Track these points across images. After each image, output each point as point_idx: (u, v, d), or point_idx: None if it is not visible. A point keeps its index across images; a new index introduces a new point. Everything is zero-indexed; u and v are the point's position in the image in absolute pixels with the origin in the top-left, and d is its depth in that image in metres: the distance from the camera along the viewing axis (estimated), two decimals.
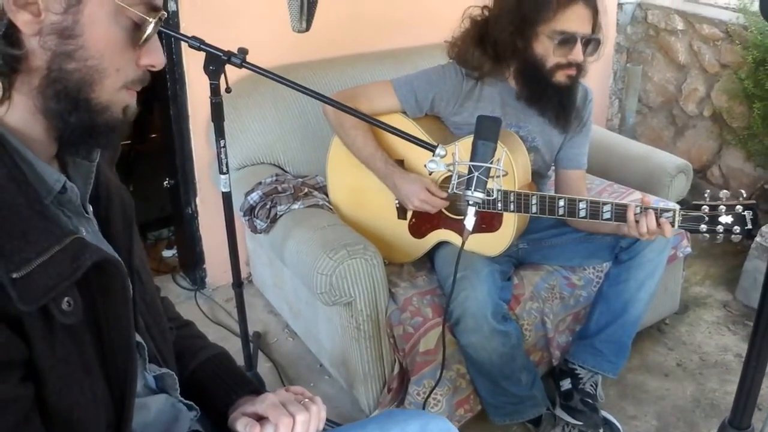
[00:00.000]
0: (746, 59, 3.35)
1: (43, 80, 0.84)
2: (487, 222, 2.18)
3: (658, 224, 1.89)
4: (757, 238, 2.95)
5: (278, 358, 2.72)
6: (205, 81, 1.85)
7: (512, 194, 2.04)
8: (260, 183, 2.49)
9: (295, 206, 2.36)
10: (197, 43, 1.77)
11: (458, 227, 2.21)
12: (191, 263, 3.14)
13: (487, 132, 1.51)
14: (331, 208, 2.43)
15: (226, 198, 2.08)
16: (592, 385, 2.35)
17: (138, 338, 1.06)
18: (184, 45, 2.43)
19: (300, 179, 2.58)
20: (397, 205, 2.30)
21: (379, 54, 3.03)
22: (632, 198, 2.66)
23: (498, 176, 1.61)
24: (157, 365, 1.13)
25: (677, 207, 1.89)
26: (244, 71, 1.81)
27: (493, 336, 2.07)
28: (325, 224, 2.24)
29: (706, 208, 1.83)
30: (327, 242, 2.12)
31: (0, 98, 0.83)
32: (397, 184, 2.19)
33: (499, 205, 2.06)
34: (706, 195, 1.85)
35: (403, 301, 2.22)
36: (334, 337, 2.38)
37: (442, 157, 1.54)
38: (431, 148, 1.54)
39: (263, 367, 2.63)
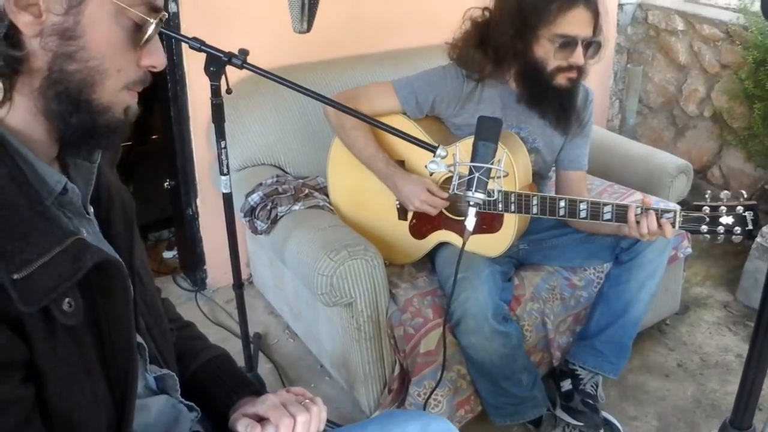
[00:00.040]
0: (746, 59, 3.35)
1: (44, 81, 0.84)
2: (488, 223, 2.18)
3: (659, 225, 1.89)
4: (758, 239, 2.95)
5: (279, 359, 2.72)
6: (205, 82, 1.85)
7: (513, 195, 2.04)
8: (261, 184, 2.49)
9: (296, 207, 2.36)
10: (198, 45, 1.77)
11: (459, 228, 2.21)
12: (192, 264, 3.14)
13: (487, 133, 1.51)
14: (331, 209, 2.43)
15: (227, 199, 2.08)
16: (592, 386, 2.35)
17: (139, 339, 1.06)
18: (184, 46, 2.43)
19: (300, 180, 2.59)
20: (398, 206, 2.30)
21: (380, 55, 3.03)
22: (633, 198, 2.66)
23: (499, 177, 1.61)
24: (157, 366, 1.13)
25: (678, 208, 1.89)
26: (244, 72, 1.81)
27: (493, 337, 2.07)
28: (325, 225, 2.24)
29: (706, 209, 1.83)
30: (328, 243, 2.12)
31: (1, 99, 0.83)
32: (398, 185, 2.19)
33: (500, 205, 2.06)
34: (706, 196, 1.85)
35: (403, 301, 2.22)
36: (335, 338, 2.38)
37: (443, 157, 1.54)
38: (432, 149, 1.54)
39: (264, 368, 2.63)
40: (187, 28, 2.59)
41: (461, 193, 1.55)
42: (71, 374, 0.86)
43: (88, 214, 0.98)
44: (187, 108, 2.77)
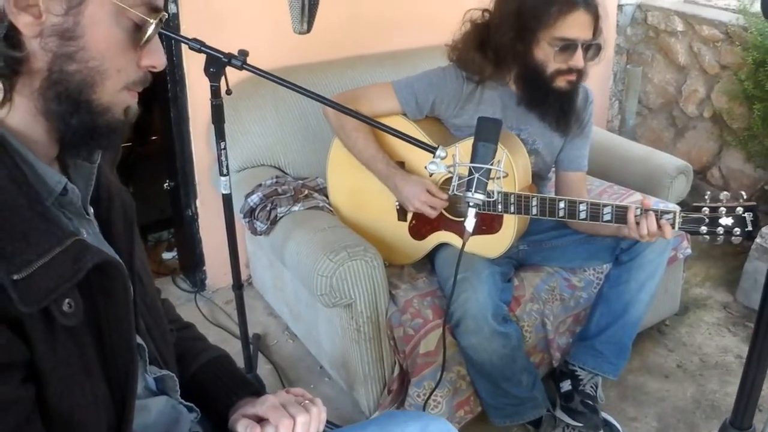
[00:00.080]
0: (746, 60, 3.35)
1: (44, 82, 0.84)
2: (488, 224, 2.18)
3: (659, 226, 1.89)
4: (758, 240, 2.95)
5: (278, 360, 2.72)
6: (205, 83, 1.85)
7: (512, 196, 2.04)
8: (260, 185, 2.49)
9: (296, 208, 2.37)
10: (198, 45, 1.77)
11: (458, 229, 2.21)
12: (191, 265, 3.14)
13: (487, 133, 1.51)
14: (331, 210, 2.43)
15: (227, 200, 2.08)
16: (592, 387, 2.35)
17: (139, 340, 1.06)
18: (184, 47, 2.44)
19: (300, 181, 2.59)
20: (398, 207, 2.30)
21: (379, 56, 3.03)
22: (632, 199, 2.66)
23: (498, 177, 1.61)
24: (157, 367, 1.13)
25: (677, 209, 1.89)
26: (244, 73, 1.81)
27: (493, 337, 2.07)
28: (325, 226, 2.24)
29: (706, 210, 1.83)
30: (327, 244, 2.12)
31: (1, 100, 0.83)
32: (398, 186, 2.19)
33: (500, 206, 2.06)
34: (706, 197, 1.85)
35: (403, 302, 2.22)
36: (335, 338, 2.38)
37: (443, 158, 1.54)
38: (432, 150, 1.54)
39: (263, 369, 2.63)
40: (187, 29, 2.59)
41: (461, 194, 1.55)
42: (71, 375, 0.86)
43: (88, 214, 0.98)
44: (187, 109, 2.77)
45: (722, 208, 1.81)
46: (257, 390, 1.26)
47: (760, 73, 3.28)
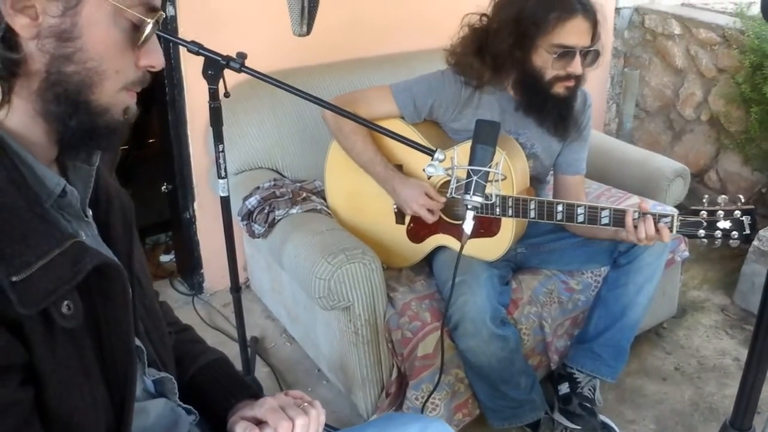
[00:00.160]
0: (743, 63, 3.36)
1: (43, 83, 0.84)
2: (486, 227, 2.18)
3: (657, 229, 1.89)
4: (755, 242, 2.95)
5: (276, 362, 2.72)
6: (203, 86, 1.85)
7: (511, 199, 2.04)
8: (258, 188, 2.49)
9: (294, 211, 2.36)
10: (196, 48, 1.77)
11: (456, 232, 2.21)
12: (189, 268, 3.14)
13: (485, 136, 1.51)
14: (329, 213, 2.43)
15: (224, 203, 2.08)
16: (590, 389, 2.35)
17: (137, 342, 1.05)
18: (182, 50, 2.42)
19: (298, 184, 2.59)
20: (396, 210, 2.30)
21: (378, 59, 3.03)
22: (630, 202, 2.67)
23: (497, 180, 1.61)
24: (156, 369, 1.12)
25: (675, 212, 1.90)
26: (242, 76, 1.81)
27: (491, 340, 2.07)
28: (323, 229, 2.24)
29: (704, 214, 1.83)
30: (325, 247, 2.12)
31: None
32: (396, 189, 2.19)
33: (498, 210, 2.06)
34: (704, 200, 1.85)
35: (401, 305, 2.22)
36: (333, 341, 2.38)
37: (441, 161, 1.54)
38: (430, 153, 1.54)
39: (261, 371, 2.63)
40: (185, 31, 2.59)
41: (459, 197, 1.55)
42: (70, 377, 0.86)
43: (86, 216, 0.98)
44: (185, 112, 2.77)
45: (720, 212, 1.81)
46: (256, 392, 1.26)
47: (757, 77, 3.28)
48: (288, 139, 2.73)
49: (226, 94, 1.88)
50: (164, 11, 1.50)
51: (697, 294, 3.18)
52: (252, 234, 2.40)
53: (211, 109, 1.92)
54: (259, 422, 1.13)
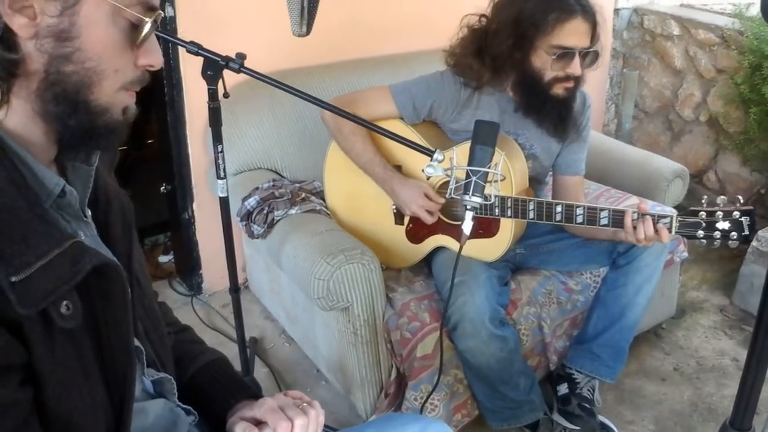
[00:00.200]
0: (742, 64, 3.37)
1: (41, 83, 0.84)
2: (485, 227, 2.18)
3: (656, 230, 1.89)
4: (754, 243, 2.95)
5: (275, 363, 2.72)
6: (202, 86, 1.85)
7: (510, 200, 2.04)
8: (257, 188, 2.49)
9: (293, 211, 2.36)
10: (195, 48, 1.77)
11: (455, 232, 2.21)
12: (188, 269, 3.14)
13: (484, 137, 1.51)
14: (328, 213, 2.43)
15: (224, 203, 2.08)
16: (589, 390, 2.35)
17: (137, 343, 1.05)
18: (181, 50, 2.42)
19: (297, 184, 2.59)
20: (395, 211, 2.30)
21: (377, 60, 3.03)
22: (629, 203, 2.67)
23: (496, 181, 1.61)
24: (155, 370, 1.12)
25: (675, 213, 1.90)
26: (241, 76, 1.81)
27: (490, 341, 2.07)
28: (322, 229, 2.24)
29: (703, 214, 1.83)
30: (324, 247, 2.12)
31: None
32: (395, 190, 2.19)
33: (497, 210, 2.06)
34: (703, 201, 1.85)
35: (400, 306, 2.21)
36: (331, 342, 2.38)
37: (440, 162, 1.54)
38: (429, 153, 1.54)
39: (260, 372, 2.63)
40: (184, 32, 2.59)
41: (458, 197, 1.54)
42: (69, 377, 0.86)
43: (86, 217, 0.97)
44: (184, 112, 2.77)
45: (719, 213, 1.81)
46: (255, 393, 1.26)
47: (756, 77, 3.29)
48: (287, 139, 2.73)
49: (226, 95, 1.88)
50: (163, 11, 1.51)
51: (696, 294, 3.19)
52: (251, 234, 2.40)
53: (210, 109, 1.92)
54: (258, 422, 1.13)
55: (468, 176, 1.49)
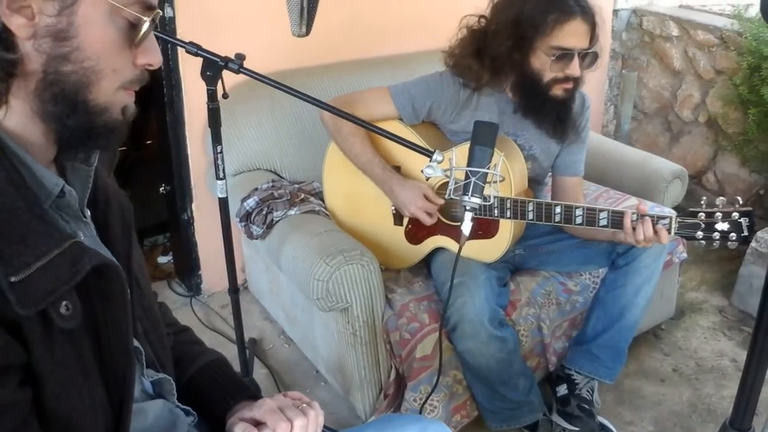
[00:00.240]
0: (741, 65, 3.37)
1: (40, 83, 0.84)
2: (484, 228, 2.18)
3: (655, 231, 1.89)
4: (753, 244, 2.95)
5: (274, 364, 2.72)
6: (201, 87, 1.85)
7: (509, 201, 2.04)
8: (256, 189, 2.49)
9: (292, 212, 2.36)
10: (194, 49, 1.77)
11: (455, 233, 2.21)
12: (187, 269, 3.13)
13: (484, 137, 1.51)
14: (327, 214, 2.43)
15: (223, 204, 2.08)
16: (588, 391, 2.35)
17: (136, 343, 1.05)
18: (180, 50, 2.42)
19: (296, 185, 2.58)
20: (394, 212, 2.30)
21: (377, 60, 3.03)
22: (628, 204, 2.67)
23: (495, 181, 1.61)
24: (154, 370, 1.12)
25: (674, 214, 1.90)
26: (241, 77, 1.81)
27: (490, 342, 2.07)
28: (321, 230, 2.24)
29: (702, 216, 1.83)
30: (324, 248, 2.12)
31: None
32: (394, 190, 2.19)
33: (496, 211, 2.06)
34: (702, 202, 1.85)
35: (399, 306, 2.21)
36: (331, 343, 2.37)
37: (439, 162, 1.54)
38: (428, 154, 1.54)
39: (259, 373, 2.63)
40: (184, 32, 2.59)
41: (457, 198, 1.54)
42: (69, 378, 0.86)
43: (85, 217, 0.97)
44: (183, 113, 2.77)
45: (718, 214, 1.81)
46: (254, 393, 1.25)
47: (754, 78, 3.29)
48: (286, 140, 2.73)
49: (225, 95, 1.87)
50: (162, 12, 1.51)
51: (695, 295, 3.19)
52: (250, 235, 2.40)
53: (209, 110, 1.92)
54: (257, 423, 1.13)
55: (467, 177, 1.49)
